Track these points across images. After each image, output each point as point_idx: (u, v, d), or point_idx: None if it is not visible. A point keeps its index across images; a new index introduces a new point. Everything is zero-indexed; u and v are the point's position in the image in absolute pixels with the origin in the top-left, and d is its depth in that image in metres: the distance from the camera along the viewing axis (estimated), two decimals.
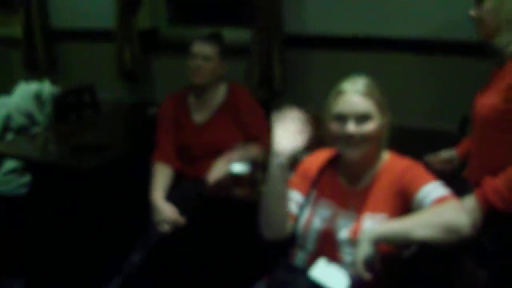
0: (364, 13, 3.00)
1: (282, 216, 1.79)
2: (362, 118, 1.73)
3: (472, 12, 1.90)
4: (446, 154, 2.23)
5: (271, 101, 3.26)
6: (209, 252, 2.42)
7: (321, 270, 1.67)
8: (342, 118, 1.74)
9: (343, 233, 1.74)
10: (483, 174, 1.82)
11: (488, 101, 1.85)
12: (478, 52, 2.07)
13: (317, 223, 1.79)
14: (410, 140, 2.36)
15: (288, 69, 3.24)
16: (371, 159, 1.80)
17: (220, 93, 2.71)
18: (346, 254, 1.73)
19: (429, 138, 2.77)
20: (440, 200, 1.64)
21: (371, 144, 1.76)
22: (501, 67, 1.85)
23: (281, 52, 3.19)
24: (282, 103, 3.23)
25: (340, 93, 1.77)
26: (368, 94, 1.75)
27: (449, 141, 2.27)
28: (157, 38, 3.82)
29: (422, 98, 3.00)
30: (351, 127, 1.72)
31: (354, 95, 1.74)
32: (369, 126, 1.73)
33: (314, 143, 1.80)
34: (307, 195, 1.85)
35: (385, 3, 2.95)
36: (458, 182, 1.94)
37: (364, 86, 1.76)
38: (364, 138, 1.73)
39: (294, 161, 1.86)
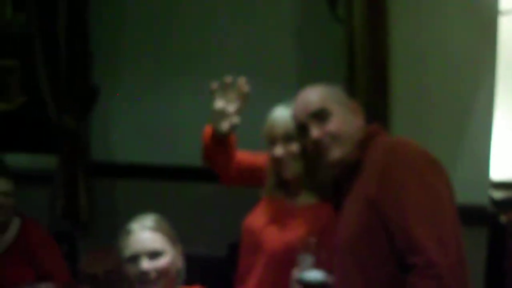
0: (171, 143, 2.94)
1: None
2: (155, 254, 1.70)
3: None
4: None
5: (77, 233, 3.03)
6: None
7: None
8: (135, 257, 1.70)
9: None
10: None
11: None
12: None
13: None
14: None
15: (96, 199, 3.06)
16: None
17: (11, 228, 2.50)
18: None
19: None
20: None
21: (168, 279, 1.72)
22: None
23: (88, 180, 3.03)
24: (89, 235, 3.06)
25: (128, 233, 1.74)
26: (157, 229, 1.75)
27: None
28: None
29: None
30: (145, 264, 1.68)
31: (142, 232, 1.72)
32: (163, 261, 1.71)
33: None
34: None
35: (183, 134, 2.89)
36: None
37: (153, 222, 1.76)
38: (160, 274, 1.69)
39: None
